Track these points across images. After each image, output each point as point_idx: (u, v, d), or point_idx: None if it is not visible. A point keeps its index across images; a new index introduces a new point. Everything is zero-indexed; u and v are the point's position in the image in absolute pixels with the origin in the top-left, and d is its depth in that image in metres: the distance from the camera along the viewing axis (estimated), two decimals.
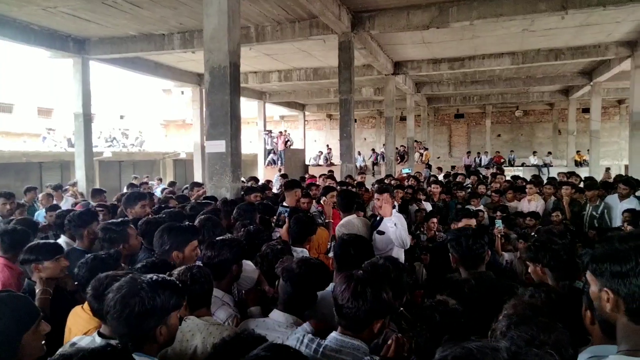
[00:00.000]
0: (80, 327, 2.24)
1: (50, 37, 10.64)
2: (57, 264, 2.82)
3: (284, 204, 5.06)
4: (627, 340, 1.23)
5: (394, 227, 3.95)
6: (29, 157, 15.08)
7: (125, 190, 8.37)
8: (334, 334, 1.80)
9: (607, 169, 16.26)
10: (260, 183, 8.81)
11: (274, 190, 8.84)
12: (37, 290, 2.61)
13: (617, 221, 6.28)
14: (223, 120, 5.74)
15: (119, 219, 3.37)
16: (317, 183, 8.38)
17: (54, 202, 7.69)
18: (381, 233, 4.15)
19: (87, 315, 2.20)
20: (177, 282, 1.86)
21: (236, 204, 4.41)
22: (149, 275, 1.73)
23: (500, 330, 1.38)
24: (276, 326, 2.09)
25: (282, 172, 16.72)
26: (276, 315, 2.16)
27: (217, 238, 2.65)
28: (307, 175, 12.35)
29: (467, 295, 2.13)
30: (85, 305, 2.23)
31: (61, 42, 10.99)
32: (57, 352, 1.43)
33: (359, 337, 1.76)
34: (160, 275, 1.77)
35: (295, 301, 2.14)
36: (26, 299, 1.84)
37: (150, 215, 4.03)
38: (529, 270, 2.63)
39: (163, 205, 5.12)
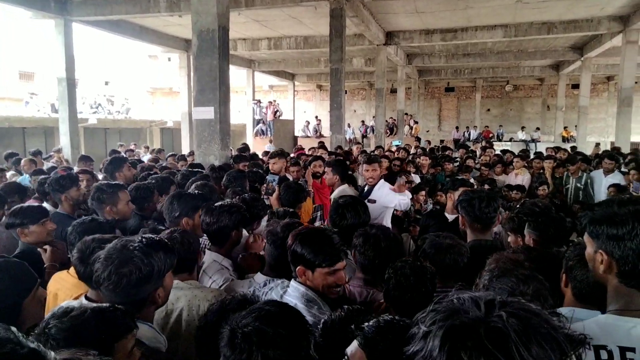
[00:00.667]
0: (68, 291, 2.20)
1: None
2: (43, 228, 2.79)
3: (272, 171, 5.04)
4: (617, 300, 1.26)
5: (391, 194, 3.99)
6: (11, 122, 14.72)
7: (109, 157, 8.24)
8: (294, 283, 1.89)
9: (597, 144, 16.44)
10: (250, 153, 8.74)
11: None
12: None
13: (602, 196, 6.40)
14: (212, 86, 5.62)
15: (114, 182, 3.30)
16: (307, 153, 8.34)
17: (37, 167, 7.54)
18: (372, 202, 4.16)
19: (74, 279, 2.14)
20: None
21: (225, 171, 4.36)
22: (136, 238, 1.65)
23: (482, 284, 1.40)
24: (256, 286, 2.12)
25: (272, 142, 16.65)
26: (258, 277, 2.22)
27: (216, 204, 2.62)
28: (296, 147, 12.31)
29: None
30: (71, 269, 2.18)
31: (42, 2, 10.54)
32: (64, 304, 1.37)
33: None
34: (149, 235, 1.72)
35: (279, 263, 2.15)
36: (23, 265, 1.80)
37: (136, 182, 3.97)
38: (509, 241, 2.61)
39: (150, 172, 5.06)
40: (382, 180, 4.28)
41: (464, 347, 0.63)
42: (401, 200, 4.05)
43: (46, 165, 8.31)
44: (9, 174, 6.35)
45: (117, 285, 1.52)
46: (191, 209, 2.72)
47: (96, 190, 3.04)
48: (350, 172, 5.16)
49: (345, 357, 1.21)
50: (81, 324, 1.27)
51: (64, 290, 2.24)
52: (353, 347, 1.22)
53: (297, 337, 1.23)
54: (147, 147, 13.73)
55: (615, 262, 1.22)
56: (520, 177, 7.18)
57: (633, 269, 1.20)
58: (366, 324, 1.25)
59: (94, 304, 1.38)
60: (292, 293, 1.85)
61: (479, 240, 2.52)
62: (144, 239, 1.64)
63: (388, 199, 4.04)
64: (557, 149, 9.51)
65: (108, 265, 1.54)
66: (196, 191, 3.17)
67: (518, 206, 3.94)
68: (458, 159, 9.11)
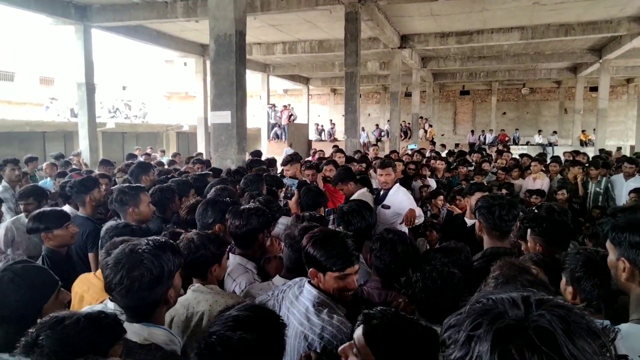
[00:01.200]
0: (95, 294, 2.23)
1: (51, 3, 10.45)
2: (66, 231, 2.84)
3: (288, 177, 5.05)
4: None
5: (406, 200, 3.98)
6: (32, 126, 15.03)
7: (126, 161, 8.35)
8: (307, 286, 1.89)
9: (619, 149, 16.11)
10: (264, 157, 8.77)
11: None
12: None
13: (622, 200, 6.28)
14: (229, 90, 5.67)
15: (134, 184, 3.36)
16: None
17: (59, 170, 7.69)
18: (386, 207, 4.15)
19: (101, 283, 2.19)
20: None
21: (241, 174, 4.39)
22: (143, 241, 1.65)
23: (487, 289, 1.39)
24: (276, 290, 2.13)
25: (289, 146, 16.70)
26: (277, 279, 2.25)
27: (242, 207, 2.64)
28: (312, 151, 12.31)
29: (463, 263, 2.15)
30: (99, 272, 2.21)
31: (62, 9, 10.79)
32: (54, 314, 1.35)
33: None
34: (154, 237, 1.72)
35: (297, 267, 2.17)
36: (43, 269, 1.81)
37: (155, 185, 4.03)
38: (522, 249, 2.57)
39: (168, 176, 5.12)
40: (398, 185, 4.26)
41: (517, 349, 0.63)
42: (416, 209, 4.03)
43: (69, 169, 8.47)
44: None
45: (130, 289, 1.52)
46: (224, 215, 2.73)
47: (119, 192, 3.08)
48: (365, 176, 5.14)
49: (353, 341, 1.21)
50: (76, 334, 1.27)
51: (91, 293, 2.28)
52: (358, 332, 1.21)
53: (266, 341, 1.22)
54: (163, 151, 13.90)
55: (638, 271, 1.20)
56: (539, 181, 7.09)
57: None
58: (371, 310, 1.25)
59: (85, 312, 1.37)
60: (306, 295, 1.86)
61: (496, 247, 2.46)
62: (151, 241, 1.65)
63: (402, 206, 4.02)
64: (576, 152, 9.36)
65: (119, 270, 1.54)
66: (226, 198, 3.18)
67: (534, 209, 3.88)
68: (473, 163, 9.04)
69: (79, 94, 11.89)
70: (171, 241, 1.75)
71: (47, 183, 6.89)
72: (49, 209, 3.12)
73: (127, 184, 3.31)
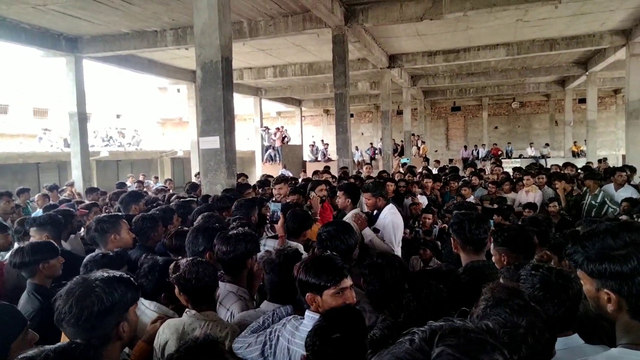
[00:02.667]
0: None
1: (41, 35, 10.58)
2: (59, 262, 2.81)
3: (273, 200, 5.04)
4: (628, 334, 1.22)
5: (391, 227, 3.97)
6: (25, 157, 15.01)
7: (116, 189, 8.34)
8: (308, 312, 1.94)
9: (603, 160, 16.24)
10: (258, 179, 8.78)
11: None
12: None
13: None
14: (216, 116, 5.71)
15: (112, 213, 3.35)
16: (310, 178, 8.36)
17: (50, 202, 7.66)
18: (377, 231, 4.13)
19: None
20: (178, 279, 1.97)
21: (227, 200, 4.38)
22: (98, 274, 1.66)
23: (477, 314, 1.38)
24: (265, 317, 2.14)
25: (283, 167, 16.74)
26: (264, 305, 2.26)
27: (230, 233, 2.64)
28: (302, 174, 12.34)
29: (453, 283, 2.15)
30: None
31: (53, 41, 10.93)
32: (22, 355, 1.31)
33: None
34: (110, 271, 1.71)
35: (280, 289, 2.19)
36: (12, 307, 1.80)
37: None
38: (493, 260, 2.56)
39: (155, 204, 5.11)
40: (389, 206, 4.23)
41: None
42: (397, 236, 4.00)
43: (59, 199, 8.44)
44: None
45: (79, 318, 1.51)
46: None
47: (98, 221, 3.08)
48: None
49: None
50: None
51: None
52: None
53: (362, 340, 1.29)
54: (157, 178, 13.90)
55: (625, 300, 1.18)
56: (531, 194, 7.11)
57: None
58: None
59: (52, 346, 1.33)
60: (307, 323, 1.87)
61: (476, 261, 2.51)
62: (105, 274, 1.65)
63: (388, 232, 3.99)
64: (565, 164, 9.42)
65: (69, 299, 1.53)
66: (215, 224, 3.15)
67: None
68: (466, 177, 9.10)
69: (71, 124, 11.94)
70: (127, 275, 1.75)
71: (39, 215, 6.86)
72: (40, 241, 3.09)
73: (104, 214, 3.32)
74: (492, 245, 2.54)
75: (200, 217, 3.61)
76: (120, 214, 3.39)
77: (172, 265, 2.21)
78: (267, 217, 4.04)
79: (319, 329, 1.61)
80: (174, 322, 2.05)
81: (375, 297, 2.28)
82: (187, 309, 2.11)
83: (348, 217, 4.34)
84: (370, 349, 1.61)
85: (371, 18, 9.73)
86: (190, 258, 2.26)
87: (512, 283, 1.61)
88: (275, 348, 1.93)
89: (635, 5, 10.21)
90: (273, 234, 3.83)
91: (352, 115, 11.20)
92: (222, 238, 2.58)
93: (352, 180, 6.63)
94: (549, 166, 11.54)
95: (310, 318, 1.88)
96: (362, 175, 8.73)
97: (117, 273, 1.70)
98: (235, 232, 2.64)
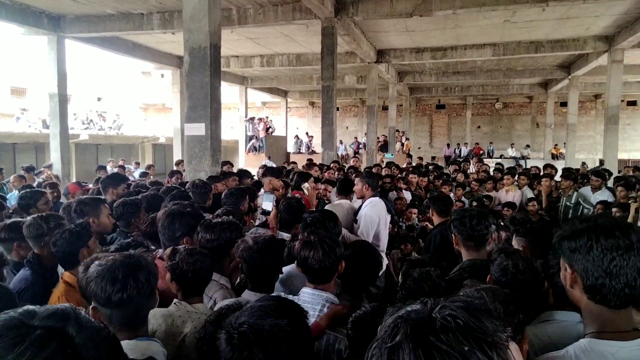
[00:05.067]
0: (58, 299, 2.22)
1: (22, 12, 10.25)
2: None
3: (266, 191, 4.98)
4: (593, 322, 1.26)
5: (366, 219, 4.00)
6: (1, 137, 14.61)
7: (97, 174, 8.18)
8: (305, 288, 2.04)
9: (583, 164, 16.61)
10: (239, 169, 8.70)
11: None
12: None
13: (591, 211, 6.46)
14: (203, 103, 5.64)
15: (94, 196, 3.29)
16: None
17: (25, 183, 7.47)
18: (355, 222, 4.17)
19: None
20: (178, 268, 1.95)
21: (202, 188, 4.30)
22: (131, 252, 1.67)
23: None
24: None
25: (267, 158, 16.63)
26: (246, 294, 2.19)
27: (214, 220, 2.60)
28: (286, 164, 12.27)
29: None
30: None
31: (35, 19, 10.60)
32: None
33: (327, 289, 2.05)
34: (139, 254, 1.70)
35: (261, 276, 2.15)
36: (3, 287, 1.82)
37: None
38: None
39: (142, 190, 5.01)
40: (370, 200, 4.23)
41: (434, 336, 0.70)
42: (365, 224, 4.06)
43: (36, 182, 8.25)
44: None
45: (131, 297, 1.53)
46: (192, 228, 2.65)
47: (78, 203, 3.02)
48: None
49: None
50: None
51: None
52: None
53: (296, 325, 1.23)
54: (138, 163, 13.68)
55: (579, 276, 1.24)
56: (511, 193, 7.24)
57: (595, 281, 1.21)
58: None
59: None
60: (306, 299, 2.00)
61: (473, 260, 2.50)
62: (138, 252, 1.67)
63: (363, 224, 4.03)
64: (546, 166, 9.60)
65: (117, 280, 1.53)
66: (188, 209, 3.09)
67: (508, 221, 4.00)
68: (451, 174, 9.24)
69: (51, 105, 11.64)
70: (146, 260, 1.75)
71: (13, 196, 6.70)
72: (19, 219, 3.03)
73: (86, 196, 3.25)
74: (513, 236, 2.65)
75: (171, 202, 3.53)
76: (101, 197, 3.32)
77: (168, 251, 2.17)
78: (257, 208, 4.00)
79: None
80: (162, 312, 2.00)
81: (351, 287, 2.28)
82: (175, 300, 2.06)
83: (332, 205, 4.36)
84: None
85: (361, 11, 9.72)
86: (189, 247, 2.20)
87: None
88: None
89: (619, 12, 10.42)
90: (260, 223, 3.78)
91: (337, 109, 11.24)
92: (206, 226, 2.54)
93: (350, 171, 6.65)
94: (528, 167, 11.76)
95: (309, 294, 1.97)
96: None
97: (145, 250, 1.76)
98: (219, 220, 2.60)
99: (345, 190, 4.62)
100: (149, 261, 1.62)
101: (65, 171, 11.76)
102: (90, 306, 1.57)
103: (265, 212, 3.60)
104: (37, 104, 20.74)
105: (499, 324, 0.72)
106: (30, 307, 0.89)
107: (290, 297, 1.98)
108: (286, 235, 3.21)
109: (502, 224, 5.71)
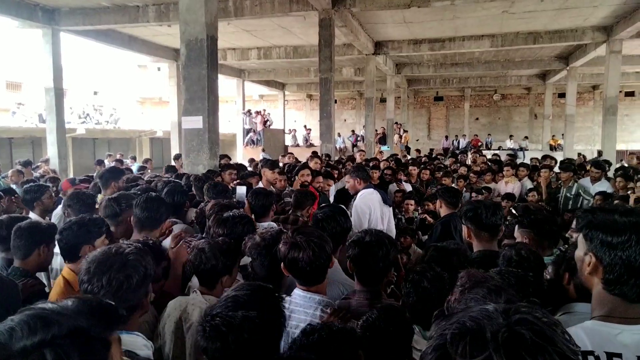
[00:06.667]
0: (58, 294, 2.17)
1: (16, 5, 10.14)
2: None
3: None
4: (602, 307, 1.27)
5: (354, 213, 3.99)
6: None
7: (97, 167, 8.13)
8: (297, 290, 1.96)
9: (579, 154, 16.63)
10: (236, 162, 8.67)
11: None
12: None
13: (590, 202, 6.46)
14: (200, 96, 5.60)
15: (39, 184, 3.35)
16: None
17: (24, 178, 7.43)
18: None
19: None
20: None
21: (209, 179, 4.29)
22: (124, 245, 1.66)
23: (454, 297, 1.40)
24: None
25: (262, 151, 16.58)
26: None
27: (226, 215, 2.58)
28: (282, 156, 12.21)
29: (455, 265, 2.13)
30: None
31: (29, 11, 10.49)
32: None
33: (319, 290, 1.95)
34: (137, 242, 1.71)
35: (274, 272, 2.10)
36: (12, 282, 1.82)
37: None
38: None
39: (138, 183, 4.99)
40: (362, 192, 4.17)
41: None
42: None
43: (34, 176, 8.20)
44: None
45: (118, 291, 1.51)
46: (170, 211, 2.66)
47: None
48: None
49: None
50: None
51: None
52: None
53: (267, 316, 1.29)
54: (134, 158, 13.63)
55: (603, 268, 1.23)
56: (510, 185, 7.22)
57: (618, 277, 1.21)
58: None
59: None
60: (298, 301, 1.93)
61: (483, 250, 2.48)
62: (133, 245, 1.67)
63: (355, 216, 4.00)
64: (545, 157, 9.59)
65: (104, 272, 1.52)
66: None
67: (511, 210, 3.99)
68: (447, 165, 9.24)
69: (47, 99, 11.57)
70: (153, 246, 1.77)
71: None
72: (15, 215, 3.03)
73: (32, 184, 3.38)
74: (516, 227, 2.56)
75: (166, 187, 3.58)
76: (45, 184, 3.35)
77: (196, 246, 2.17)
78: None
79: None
80: (180, 300, 2.03)
81: (369, 280, 2.05)
82: (195, 288, 2.10)
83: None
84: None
85: (359, 3, 9.66)
86: (205, 241, 2.19)
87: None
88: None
89: (618, 2, 10.37)
90: None
91: (335, 101, 11.23)
92: (218, 220, 2.54)
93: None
94: (527, 159, 11.78)
95: (301, 297, 1.89)
96: (358, 162, 8.68)
97: (144, 244, 1.75)
98: (231, 214, 2.60)
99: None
100: (137, 257, 1.59)
101: (63, 165, 11.69)
102: None
103: (240, 205, 3.57)
104: (33, 98, 20.62)
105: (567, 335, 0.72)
106: None
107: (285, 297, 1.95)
108: (266, 224, 3.18)
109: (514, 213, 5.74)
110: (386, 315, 1.62)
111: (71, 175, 12.29)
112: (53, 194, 4.33)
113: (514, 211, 2.85)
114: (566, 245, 2.77)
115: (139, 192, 3.65)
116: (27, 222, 2.49)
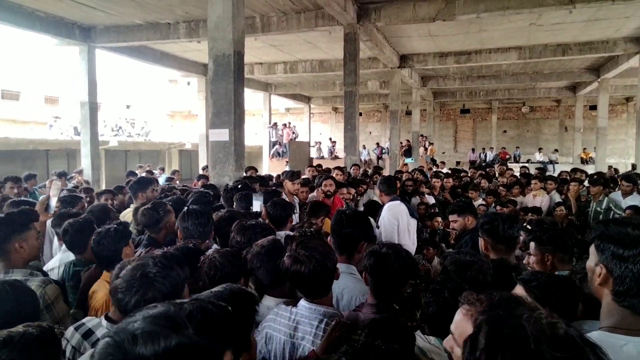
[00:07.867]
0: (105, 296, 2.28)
1: (56, 24, 10.68)
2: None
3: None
4: (609, 318, 1.27)
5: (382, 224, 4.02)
6: (35, 144, 15.18)
7: (127, 179, 8.39)
8: (303, 302, 1.94)
9: (610, 167, 16.15)
10: (264, 174, 8.79)
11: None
12: None
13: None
14: (227, 109, 5.75)
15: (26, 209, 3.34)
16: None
17: (62, 190, 7.72)
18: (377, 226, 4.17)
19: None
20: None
21: (238, 191, 4.40)
22: (150, 262, 1.66)
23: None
24: (265, 309, 2.09)
25: (286, 164, 16.76)
26: (269, 301, 2.15)
27: (247, 223, 2.62)
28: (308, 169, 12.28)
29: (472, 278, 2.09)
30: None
31: (67, 30, 11.02)
32: None
33: (323, 303, 1.93)
34: (163, 254, 1.75)
35: (280, 280, 2.10)
36: (29, 290, 1.92)
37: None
38: (525, 262, 2.52)
39: (168, 193, 5.15)
40: (387, 205, 4.22)
41: None
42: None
43: (68, 187, 8.52)
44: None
45: (143, 297, 1.56)
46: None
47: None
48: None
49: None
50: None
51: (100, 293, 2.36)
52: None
53: (240, 310, 1.36)
54: (162, 169, 13.98)
55: (613, 280, 1.24)
56: (538, 198, 7.11)
57: (628, 290, 1.22)
58: None
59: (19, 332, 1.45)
60: (303, 313, 1.91)
61: (500, 259, 2.43)
62: (158, 261, 1.66)
63: (385, 229, 4.05)
64: (574, 170, 9.37)
65: (133, 294, 1.57)
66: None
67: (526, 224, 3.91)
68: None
69: (82, 113, 12.06)
70: (177, 253, 1.82)
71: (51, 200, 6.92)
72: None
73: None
74: (532, 245, 2.42)
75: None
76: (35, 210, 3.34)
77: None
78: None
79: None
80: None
81: (382, 292, 2.04)
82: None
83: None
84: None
85: (383, 17, 9.73)
86: (215, 250, 2.25)
87: None
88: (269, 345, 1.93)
89: None
90: None
91: (360, 114, 11.31)
92: (239, 228, 2.56)
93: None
94: (556, 172, 11.52)
95: (306, 308, 1.89)
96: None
97: (169, 254, 1.76)
98: (253, 222, 2.62)
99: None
100: (161, 278, 1.63)
101: (95, 177, 12.12)
102: None
103: (257, 214, 3.63)
104: (69, 111, 21.49)
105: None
106: None
107: (283, 307, 1.99)
108: (283, 234, 3.10)
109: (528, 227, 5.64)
110: (373, 338, 1.56)
111: (104, 187, 12.70)
112: (86, 204, 4.53)
113: (528, 227, 2.74)
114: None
115: (170, 202, 3.78)
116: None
